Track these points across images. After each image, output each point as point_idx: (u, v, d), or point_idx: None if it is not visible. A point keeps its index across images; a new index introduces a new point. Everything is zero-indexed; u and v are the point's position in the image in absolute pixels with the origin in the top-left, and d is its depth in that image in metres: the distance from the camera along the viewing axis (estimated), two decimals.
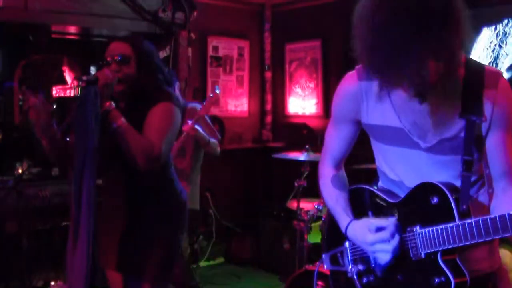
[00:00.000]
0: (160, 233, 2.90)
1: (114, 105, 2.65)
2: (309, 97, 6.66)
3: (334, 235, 2.22)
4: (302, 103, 6.77)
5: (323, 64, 6.42)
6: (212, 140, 4.64)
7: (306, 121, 6.62)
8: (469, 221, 1.74)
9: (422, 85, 1.68)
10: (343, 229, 2.09)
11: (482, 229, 1.71)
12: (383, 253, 1.94)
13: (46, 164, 5.23)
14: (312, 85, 6.61)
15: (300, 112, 6.81)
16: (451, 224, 1.79)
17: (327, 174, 2.24)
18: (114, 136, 2.64)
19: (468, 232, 1.74)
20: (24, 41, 6.41)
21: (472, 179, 1.90)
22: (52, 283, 4.51)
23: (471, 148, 1.83)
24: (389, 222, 1.93)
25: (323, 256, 2.25)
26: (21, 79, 7.01)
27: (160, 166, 2.85)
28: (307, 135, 6.35)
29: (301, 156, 4.58)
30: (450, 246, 1.80)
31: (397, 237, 1.91)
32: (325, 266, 2.25)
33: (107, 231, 2.93)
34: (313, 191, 4.52)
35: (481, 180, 1.97)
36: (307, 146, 4.60)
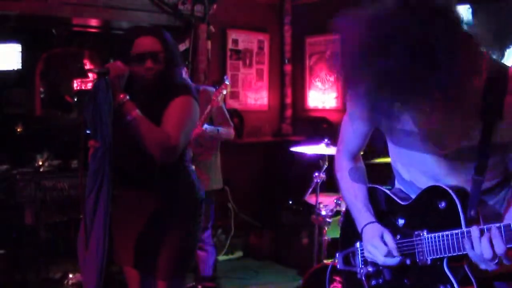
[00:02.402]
0: (175, 230, 2.88)
1: (128, 97, 2.63)
2: (329, 91, 6.61)
3: (348, 235, 2.21)
4: (322, 97, 6.72)
5: None
6: (221, 129, 4.61)
7: (326, 115, 6.57)
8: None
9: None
10: (360, 227, 2.06)
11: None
12: (378, 255, 1.95)
13: (66, 156, 5.26)
14: (332, 79, 6.56)
15: (320, 106, 6.76)
16: (456, 231, 1.74)
17: (344, 166, 2.21)
18: (128, 129, 2.62)
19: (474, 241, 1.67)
20: (45, 34, 6.45)
21: (487, 185, 1.84)
22: (70, 275, 4.53)
23: (485, 152, 1.76)
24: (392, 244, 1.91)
25: (337, 255, 2.23)
26: (42, 72, 7.07)
27: (177, 162, 2.83)
28: (327, 129, 6.31)
29: (320, 150, 4.54)
30: (455, 254, 1.74)
31: (395, 259, 1.91)
32: (338, 266, 2.23)
33: (123, 228, 2.92)
34: (332, 185, 4.47)
35: (500, 187, 1.90)
36: (326, 140, 4.55)
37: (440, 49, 1.45)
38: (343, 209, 4.17)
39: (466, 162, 1.82)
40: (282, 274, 5.78)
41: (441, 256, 1.79)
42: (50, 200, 4.79)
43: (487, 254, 1.62)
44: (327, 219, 4.32)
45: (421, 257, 1.86)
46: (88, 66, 6.99)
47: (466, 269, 1.77)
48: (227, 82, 4.54)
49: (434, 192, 1.86)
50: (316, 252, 4.48)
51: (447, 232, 1.76)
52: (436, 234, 1.80)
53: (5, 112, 6.74)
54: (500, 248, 1.60)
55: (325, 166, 4.48)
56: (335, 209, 4.31)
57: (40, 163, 5.12)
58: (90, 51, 7.21)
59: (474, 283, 1.75)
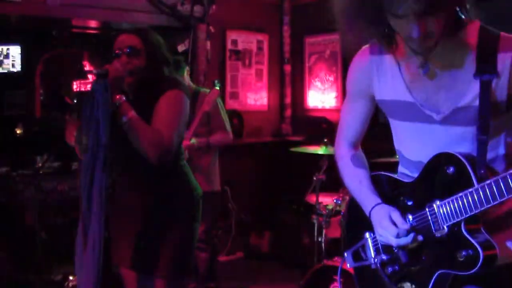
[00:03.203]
0: (173, 230, 2.88)
1: (124, 98, 2.64)
2: (329, 90, 6.61)
3: (354, 230, 2.18)
4: (321, 96, 6.72)
5: (343, 57, 6.36)
6: (211, 139, 4.59)
7: (326, 114, 6.57)
8: (488, 182, 1.66)
9: (420, 49, 1.71)
10: (367, 211, 2.04)
11: (503, 187, 1.62)
12: (389, 237, 1.93)
13: (66, 158, 5.26)
14: (331, 78, 6.56)
15: (319, 105, 6.76)
16: (470, 189, 1.72)
17: (345, 154, 2.21)
18: (125, 130, 2.63)
19: (489, 193, 1.66)
20: (45, 35, 6.46)
21: (493, 154, 1.85)
22: (71, 278, 4.53)
23: (487, 111, 1.75)
24: (406, 226, 1.90)
25: (345, 253, 2.19)
26: (42, 73, 7.07)
27: (172, 161, 2.84)
28: (327, 128, 6.31)
29: (320, 150, 4.55)
30: (472, 213, 1.71)
31: (408, 236, 1.90)
32: (348, 265, 2.19)
33: (120, 228, 2.92)
34: (332, 185, 4.50)
35: (498, 148, 1.89)
36: (325, 140, 4.55)
37: None
38: (343, 209, 4.19)
39: (465, 126, 1.83)
40: (283, 274, 5.77)
41: (458, 220, 1.76)
42: (51, 202, 4.80)
43: None
44: (327, 219, 4.32)
45: (437, 227, 1.83)
46: (88, 67, 6.99)
47: (484, 232, 1.74)
48: (217, 87, 4.50)
49: (440, 160, 1.84)
50: (317, 252, 4.49)
51: (460, 193, 1.74)
52: (449, 199, 1.77)
53: (5, 114, 6.74)
54: None
55: (325, 166, 4.48)
56: (335, 209, 4.31)
57: (40, 165, 5.12)
58: (90, 53, 7.21)
59: (496, 246, 1.71)
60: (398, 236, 1.90)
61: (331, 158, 4.36)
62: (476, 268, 1.71)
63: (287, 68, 7.11)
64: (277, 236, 6.21)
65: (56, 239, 4.95)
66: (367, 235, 2.10)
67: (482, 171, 1.74)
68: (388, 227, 1.92)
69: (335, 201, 4.28)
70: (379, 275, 2.05)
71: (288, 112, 7.13)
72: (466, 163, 1.76)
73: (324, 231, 4.34)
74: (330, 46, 6.55)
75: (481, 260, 1.69)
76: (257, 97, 6.92)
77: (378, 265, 2.05)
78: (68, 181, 4.86)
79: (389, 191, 2.06)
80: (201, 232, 4.67)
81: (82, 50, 7.19)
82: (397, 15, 1.64)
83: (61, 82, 7.21)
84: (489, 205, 1.67)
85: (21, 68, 6.68)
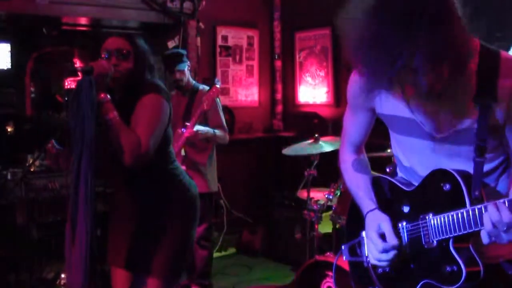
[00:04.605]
0: (168, 230, 2.88)
1: (109, 97, 2.67)
2: (320, 85, 6.61)
3: (353, 226, 2.23)
4: (312, 92, 6.72)
5: (333, 52, 6.37)
6: (217, 131, 4.60)
7: (317, 110, 6.57)
8: (479, 206, 1.70)
9: (425, 92, 1.64)
10: (363, 214, 2.09)
11: None
12: (372, 250, 1.99)
13: None
14: (322, 73, 6.56)
15: (310, 101, 6.76)
16: (461, 210, 1.75)
17: (347, 159, 2.25)
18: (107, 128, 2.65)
19: (478, 218, 1.69)
20: (35, 33, 6.43)
21: (489, 167, 1.88)
22: (63, 275, 4.52)
23: (484, 134, 1.78)
24: (393, 241, 1.93)
25: (343, 247, 2.24)
26: (33, 71, 7.04)
27: (161, 162, 2.85)
28: (318, 124, 6.32)
29: (311, 146, 4.55)
30: (461, 233, 1.76)
31: (390, 254, 1.94)
32: (344, 258, 2.24)
33: (115, 228, 2.92)
34: (323, 181, 4.51)
35: (500, 168, 1.93)
36: (316, 135, 4.56)
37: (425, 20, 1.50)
38: (334, 204, 4.20)
39: (463, 145, 1.85)
40: (275, 270, 5.79)
41: (447, 236, 1.81)
42: (42, 200, 4.79)
43: (507, 218, 1.62)
44: (319, 214, 4.33)
45: (427, 240, 1.88)
46: (78, 64, 6.97)
47: (472, 250, 1.78)
48: (217, 85, 4.50)
49: (438, 175, 1.88)
50: (309, 248, 4.49)
51: (452, 212, 1.78)
52: (442, 215, 1.82)
53: None
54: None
55: (316, 162, 4.49)
56: (326, 204, 4.32)
57: (31, 162, 5.10)
58: (80, 50, 7.19)
59: (480, 264, 1.77)
60: (383, 251, 1.95)
61: (322, 154, 4.39)
62: (459, 283, 1.78)
63: (278, 63, 7.10)
64: (269, 232, 6.21)
65: (47, 237, 4.94)
66: (363, 233, 2.14)
67: (477, 193, 1.77)
68: (374, 239, 1.98)
69: (326, 196, 4.28)
70: (370, 274, 2.10)
71: (279, 108, 7.13)
72: (462, 184, 1.80)
73: (316, 227, 4.35)
74: (321, 41, 6.55)
75: (463, 277, 1.77)
76: (248, 93, 6.92)
77: (370, 265, 2.10)
78: (59, 179, 4.85)
79: (388, 195, 2.11)
80: (203, 230, 4.70)
81: (72, 47, 7.17)
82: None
83: (52, 80, 7.19)
84: (477, 229, 1.70)
85: (11, 66, 6.65)
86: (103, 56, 2.82)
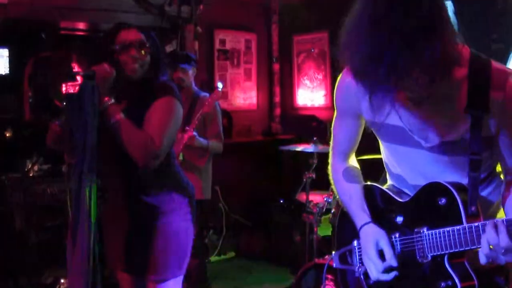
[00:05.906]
0: (167, 231, 2.86)
1: (113, 100, 2.61)
2: (318, 88, 6.63)
3: (344, 234, 2.21)
4: (310, 95, 6.74)
5: (331, 56, 6.37)
6: (211, 143, 4.59)
7: (315, 113, 6.58)
8: (476, 224, 1.68)
9: (415, 96, 1.66)
10: (357, 227, 2.05)
11: None
12: (372, 270, 1.96)
13: (55, 161, 5.24)
14: (320, 76, 6.58)
15: (309, 104, 6.78)
16: (458, 227, 1.73)
17: (338, 168, 2.21)
18: (112, 132, 2.61)
19: (475, 235, 1.68)
20: (33, 38, 6.43)
21: (481, 176, 1.84)
22: (62, 280, 4.52)
23: (478, 147, 1.75)
24: (394, 263, 1.91)
25: (333, 254, 2.22)
26: (31, 76, 7.04)
27: (165, 164, 2.82)
28: (316, 127, 6.32)
29: (310, 148, 4.56)
30: (456, 250, 1.74)
31: (391, 274, 1.91)
32: (334, 265, 2.22)
33: (113, 231, 2.91)
34: (322, 183, 4.51)
35: (490, 177, 1.91)
36: (315, 138, 4.56)
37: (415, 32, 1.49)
38: (334, 207, 4.20)
39: (454, 156, 1.83)
40: (275, 273, 5.77)
41: (442, 252, 1.79)
42: (40, 205, 4.78)
43: (505, 242, 1.60)
44: (318, 217, 4.33)
45: (422, 254, 1.86)
46: (76, 69, 6.96)
47: (467, 265, 1.77)
48: (219, 89, 4.49)
49: (433, 189, 1.85)
50: (308, 251, 4.49)
51: (448, 229, 1.75)
52: (437, 231, 1.79)
53: None
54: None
55: (315, 164, 4.49)
56: (325, 207, 4.32)
57: (30, 167, 5.10)
58: (78, 54, 7.18)
59: (475, 279, 1.75)
60: (384, 271, 1.92)
61: (320, 156, 4.39)
62: None
63: (276, 67, 7.12)
64: (268, 235, 6.20)
65: (46, 242, 4.94)
66: (355, 243, 2.12)
67: (473, 208, 1.75)
68: (374, 259, 1.95)
69: (325, 199, 4.29)
70: (361, 283, 2.08)
71: (278, 111, 7.14)
72: (458, 199, 1.77)
73: (315, 230, 4.35)
74: (319, 44, 6.56)
75: None
76: (246, 97, 6.92)
77: (361, 275, 2.07)
78: (57, 184, 4.84)
79: (380, 206, 2.07)
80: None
81: (71, 52, 7.16)
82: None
83: (50, 85, 7.18)
84: (474, 247, 1.69)
85: (9, 71, 6.65)
86: (124, 45, 2.70)
